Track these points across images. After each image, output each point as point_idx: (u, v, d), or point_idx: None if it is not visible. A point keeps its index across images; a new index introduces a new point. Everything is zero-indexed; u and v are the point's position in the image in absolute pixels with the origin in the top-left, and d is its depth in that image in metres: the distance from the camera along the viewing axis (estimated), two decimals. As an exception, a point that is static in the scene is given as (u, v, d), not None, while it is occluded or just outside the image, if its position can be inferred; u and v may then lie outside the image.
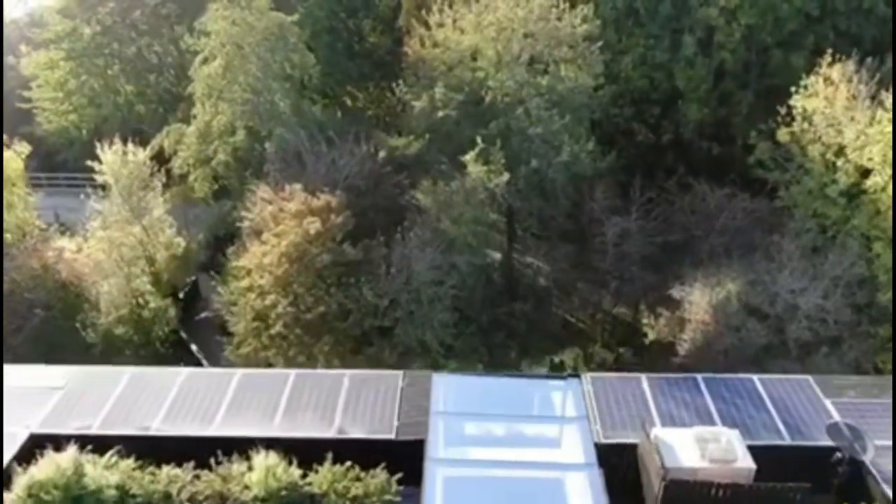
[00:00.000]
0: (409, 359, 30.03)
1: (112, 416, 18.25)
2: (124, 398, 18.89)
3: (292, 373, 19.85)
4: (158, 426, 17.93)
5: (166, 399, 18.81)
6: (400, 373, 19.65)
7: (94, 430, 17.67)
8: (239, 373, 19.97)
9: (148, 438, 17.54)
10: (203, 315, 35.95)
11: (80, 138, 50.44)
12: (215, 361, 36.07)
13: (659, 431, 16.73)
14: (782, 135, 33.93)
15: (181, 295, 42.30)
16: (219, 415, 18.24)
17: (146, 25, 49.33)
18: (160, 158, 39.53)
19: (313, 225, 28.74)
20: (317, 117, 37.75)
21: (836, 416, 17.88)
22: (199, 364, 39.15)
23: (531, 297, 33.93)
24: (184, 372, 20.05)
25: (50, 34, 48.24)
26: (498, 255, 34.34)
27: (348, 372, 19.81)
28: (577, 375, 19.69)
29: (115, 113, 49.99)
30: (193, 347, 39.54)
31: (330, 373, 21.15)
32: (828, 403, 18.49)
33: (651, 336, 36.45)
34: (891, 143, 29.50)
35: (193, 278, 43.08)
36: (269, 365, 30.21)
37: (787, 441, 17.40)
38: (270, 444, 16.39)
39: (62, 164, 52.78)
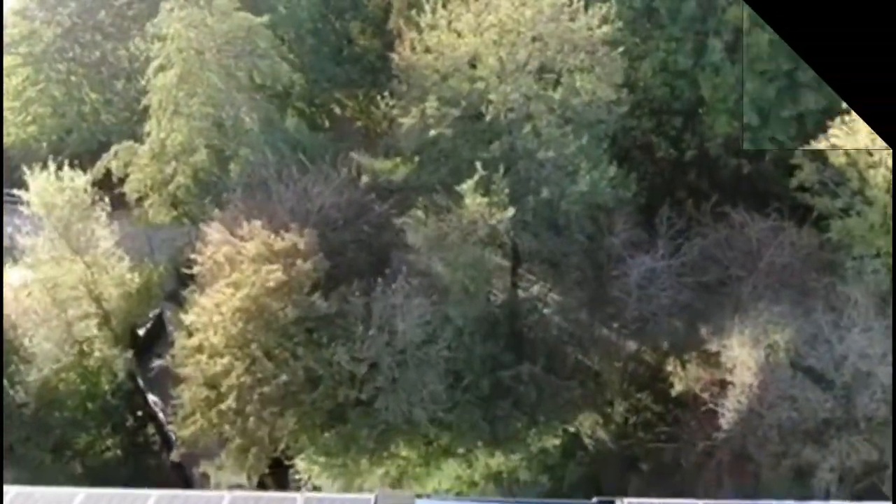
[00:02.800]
0: (392, 438, 25.07)
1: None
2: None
3: (226, 497, 14.92)
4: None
5: (50, 540, 14.02)
6: (371, 498, 14.79)
7: None
8: (153, 496, 15.08)
9: None
10: (159, 363, 31.08)
11: (42, 151, 46.21)
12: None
13: None
14: (836, 156, 29.09)
15: (142, 332, 38.10)
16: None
17: (112, 27, 44.82)
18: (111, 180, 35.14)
19: (274, 275, 23.65)
20: (290, 135, 32.90)
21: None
22: (154, 417, 35.15)
23: (541, 354, 28.78)
24: (79, 495, 15.14)
25: (6, 37, 43.66)
26: (501, 302, 29.25)
27: (301, 497, 14.88)
28: (610, 502, 14.77)
29: (80, 123, 45.55)
30: (151, 398, 35.12)
31: (276, 496, 16.20)
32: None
33: (679, 387, 31.54)
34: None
35: (158, 311, 38.72)
36: (225, 441, 25.22)
37: None
38: None
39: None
